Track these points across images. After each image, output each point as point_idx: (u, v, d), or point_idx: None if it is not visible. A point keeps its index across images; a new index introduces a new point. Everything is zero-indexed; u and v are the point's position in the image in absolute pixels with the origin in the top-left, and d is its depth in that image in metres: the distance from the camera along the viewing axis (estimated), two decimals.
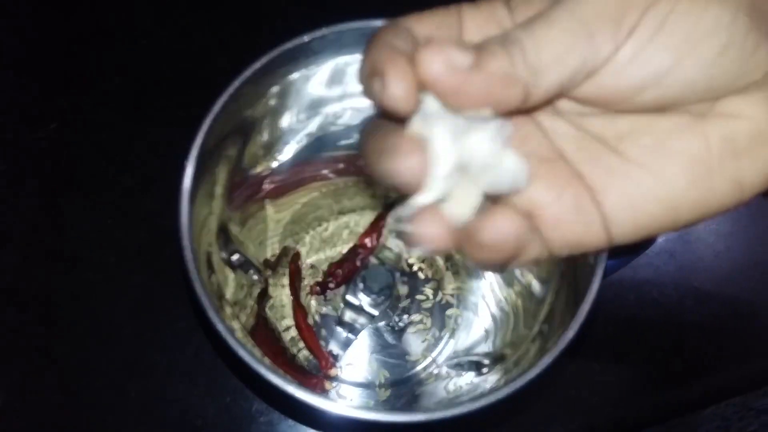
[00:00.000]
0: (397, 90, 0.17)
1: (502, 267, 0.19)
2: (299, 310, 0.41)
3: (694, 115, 0.19)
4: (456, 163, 0.18)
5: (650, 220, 0.19)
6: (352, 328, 0.41)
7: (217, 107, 0.31)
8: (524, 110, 0.19)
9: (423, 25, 0.19)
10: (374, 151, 0.18)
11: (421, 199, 0.18)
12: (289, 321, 0.41)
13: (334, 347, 0.41)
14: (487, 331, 0.40)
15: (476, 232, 0.18)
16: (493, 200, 0.19)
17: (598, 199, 0.19)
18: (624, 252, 0.36)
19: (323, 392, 0.39)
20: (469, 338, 0.41)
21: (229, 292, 0.37)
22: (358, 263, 0.41)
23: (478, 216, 0.18)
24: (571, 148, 0.20)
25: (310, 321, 0.41)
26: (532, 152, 0.20)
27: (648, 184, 0.19)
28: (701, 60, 0.18)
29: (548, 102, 0.19)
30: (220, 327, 0.28)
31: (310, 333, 0.40)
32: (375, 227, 0.42)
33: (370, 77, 0.17)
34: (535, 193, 0.19)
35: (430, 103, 0.18)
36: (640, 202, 0.19)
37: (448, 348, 0.41)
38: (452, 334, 0.41)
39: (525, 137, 0.20)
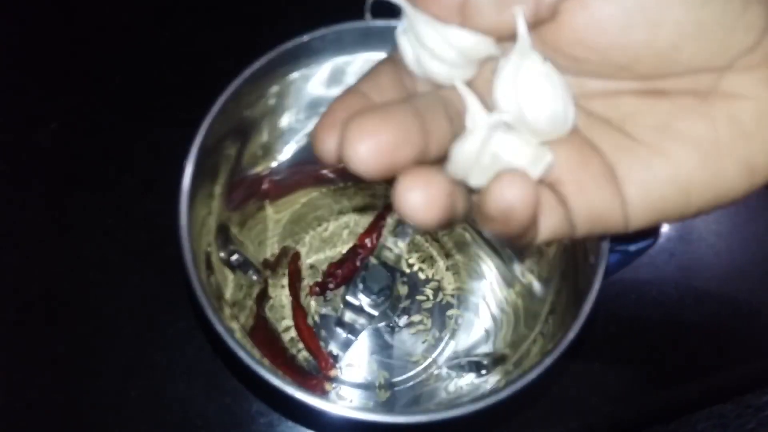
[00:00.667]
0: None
1: (519, 240, 0.18)
2: (299, 311, 0.41)
3: (696, 97, 0.18)
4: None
5: (663, 202, 0.18)
6: (352, 329, 0.41)
7: (216, 107, 0.31)
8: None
9: None
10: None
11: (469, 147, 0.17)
12: (288, 322, 0.41)
13: (333, 348, 0.40)
14: (487, 332, 0.40)
15: (480, 202, 0.17)
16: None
17: (617, 175, 0.18)
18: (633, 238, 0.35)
19: (323, 393, 0.39)
20: (469, 339, 0.41)
21: (228, 293, 0.37)
22: (358, 263, 0.41)
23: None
24: (583, 126, 0.19)
25: (310, 322, 0.41)
26: None
27: (659, 163, 0.18)
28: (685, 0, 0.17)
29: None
30: (219, 328, 0.28)
31: (309, 334, 0.40)
32: (375, 227, 0.42)
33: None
34: (560, 159, 0.18)
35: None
36: (653, 182, 0.18)
37: (448, 349, 0.41)
38: (453, 335, 0.41)
39: None
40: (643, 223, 0.19)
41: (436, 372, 0.40)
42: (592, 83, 0.19)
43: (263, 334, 0.39)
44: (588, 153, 0.19)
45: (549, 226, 0.18)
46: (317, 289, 0.41)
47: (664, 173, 0.18)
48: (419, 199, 0.16)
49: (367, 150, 0.15)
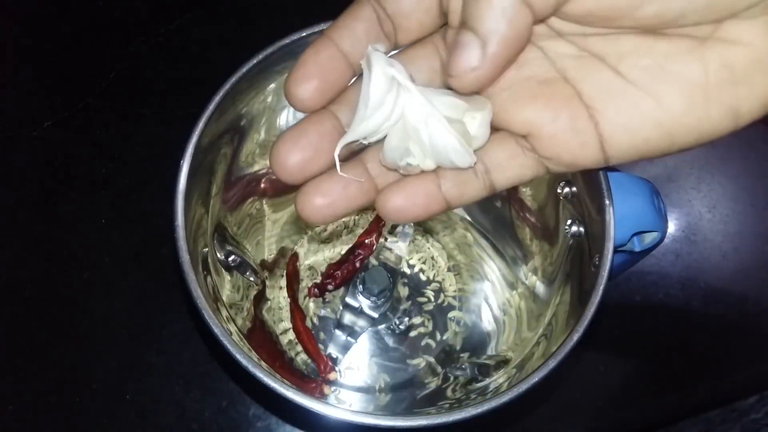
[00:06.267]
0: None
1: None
2: (297, 313, 0.40)
3: (695, 40, 0.19)
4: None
5: (645, 142, 0.20)
6: (352, 331, 0.40)
7: (212, 105, 0.31)
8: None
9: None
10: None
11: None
12: (286, 324, 0.40)
13: (333, 351, 0.40)
14: (489, 334, 0.40)
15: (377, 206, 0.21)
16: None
17: (596, 118, 0.20)
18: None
19: (322, 397, 0.38)
20: (471, 341, 0.40)
21: (225, 294, 0.36)
22: (358, 264, 0.40)
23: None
24: (572, 66, 0.20)
25: (309, 324, 0.40)
26: (532, 75, 0.20)
27: (645, 106, 0.19)
28: None
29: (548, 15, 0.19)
30: (216, 330, 0.28)
31: (308, 336, 0.39)
32: (375, 227, 0.41)
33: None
34: (531, 114, 0.20)
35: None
36: (637, 123, 0.19)
37: (449, 351, 0.40)
38: (454, 337, 0.41)
39: (526, 61, 0.21)
40: (624, 159, 0.20)
41: (436, 375, 0.40)
42: (596, 29, 0.20)
43: (261, 336, 0.38)
44: (562, 102, 0.20)
45: (513, 173, 0.21)
46: (316, 290, 0.41)
47: (650, 115, 0.19)
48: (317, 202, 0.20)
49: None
